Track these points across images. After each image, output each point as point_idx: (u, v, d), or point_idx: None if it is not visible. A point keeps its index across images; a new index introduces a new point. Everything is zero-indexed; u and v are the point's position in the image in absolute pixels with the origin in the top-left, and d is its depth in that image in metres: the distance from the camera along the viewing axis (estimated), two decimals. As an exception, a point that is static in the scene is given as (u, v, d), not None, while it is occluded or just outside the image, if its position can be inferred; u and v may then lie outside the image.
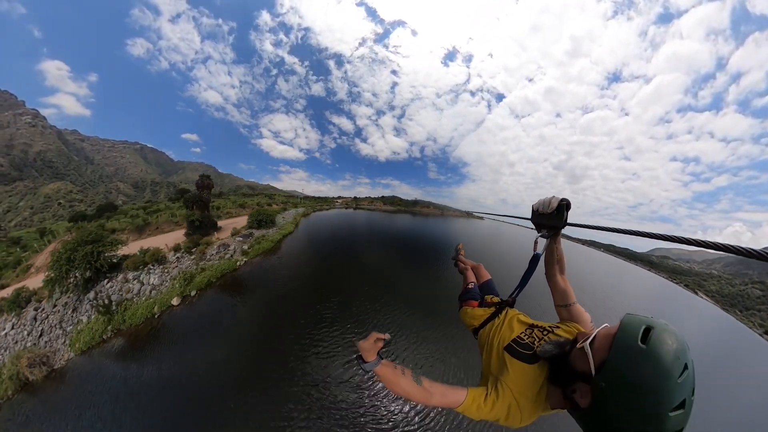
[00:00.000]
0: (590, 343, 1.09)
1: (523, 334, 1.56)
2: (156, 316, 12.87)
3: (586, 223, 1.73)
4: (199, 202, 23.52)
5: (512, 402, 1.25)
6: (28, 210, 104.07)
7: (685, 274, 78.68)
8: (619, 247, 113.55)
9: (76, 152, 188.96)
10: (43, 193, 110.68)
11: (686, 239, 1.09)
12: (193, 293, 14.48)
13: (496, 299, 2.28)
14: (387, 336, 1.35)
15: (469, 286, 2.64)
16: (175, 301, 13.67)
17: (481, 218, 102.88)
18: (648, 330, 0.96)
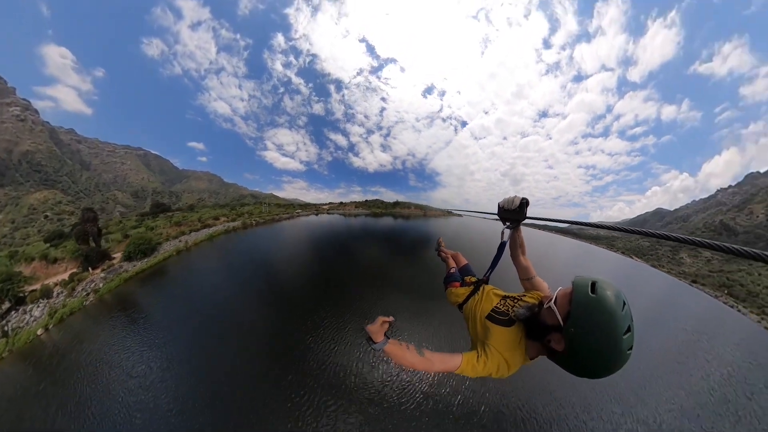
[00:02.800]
0: (554, 302, 1.44)
1: (499, 304, 1.92)
2: (29, 342, 17.86)
3: (540, 216, 2.39)
4: (84, 235, 23.93)
5: (500, 359, 1.59)
6: (8, 225, 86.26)
7: (599, 239, 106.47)
8: (550, 226, 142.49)
9: (70, 155, 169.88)
10: (27, 204, 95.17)
11: (637, 231, 1.67)
12: (50, 326, 18.84)
13: (473, 279, 2.74)
14: (391, 318, 1.58)
15: (451, 271, 3.07)
16: (40, 332, 18.25)
17: (461, 216, 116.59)
18: (594, 284, 1.33)
